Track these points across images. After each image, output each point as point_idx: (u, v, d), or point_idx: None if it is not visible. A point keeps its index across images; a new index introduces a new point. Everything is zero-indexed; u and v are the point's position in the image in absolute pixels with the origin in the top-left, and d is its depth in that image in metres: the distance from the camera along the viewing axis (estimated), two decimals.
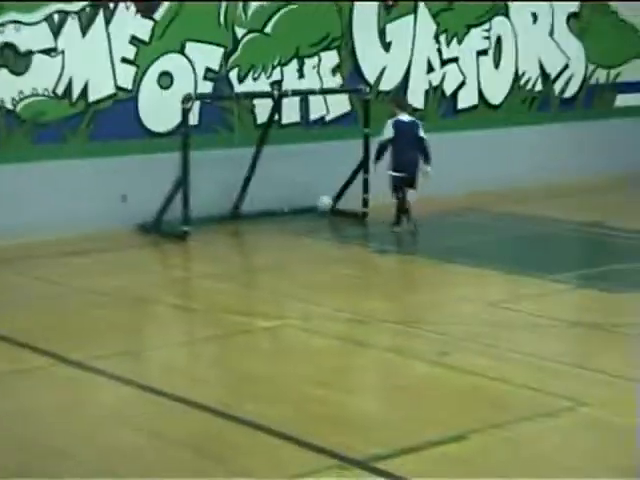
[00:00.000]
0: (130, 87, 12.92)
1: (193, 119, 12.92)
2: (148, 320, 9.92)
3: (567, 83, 16.45)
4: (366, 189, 13.69)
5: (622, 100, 16.97)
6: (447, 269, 11.47)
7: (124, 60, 12.84)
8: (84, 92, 12.64)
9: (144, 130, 13.09)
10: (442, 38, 15.11)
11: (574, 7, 16.29)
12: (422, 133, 13.11)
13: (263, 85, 13.72)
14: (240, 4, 13.49)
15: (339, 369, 8.44)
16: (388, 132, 13.04)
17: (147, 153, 12.96)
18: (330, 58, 14.24)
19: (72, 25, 12.48)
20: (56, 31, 12.41)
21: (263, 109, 13.56)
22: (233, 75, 13.58)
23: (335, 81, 14.31)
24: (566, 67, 16.37)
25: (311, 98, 13.98)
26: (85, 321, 9.61)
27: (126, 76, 12.87)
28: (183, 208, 12.51)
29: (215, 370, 8.54)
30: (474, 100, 15.59)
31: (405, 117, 13.19)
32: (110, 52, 12.74)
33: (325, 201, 13.59)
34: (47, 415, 7.43)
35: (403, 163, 12.99)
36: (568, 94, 16.49)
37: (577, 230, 13.29)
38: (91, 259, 11.71)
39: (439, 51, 15.13)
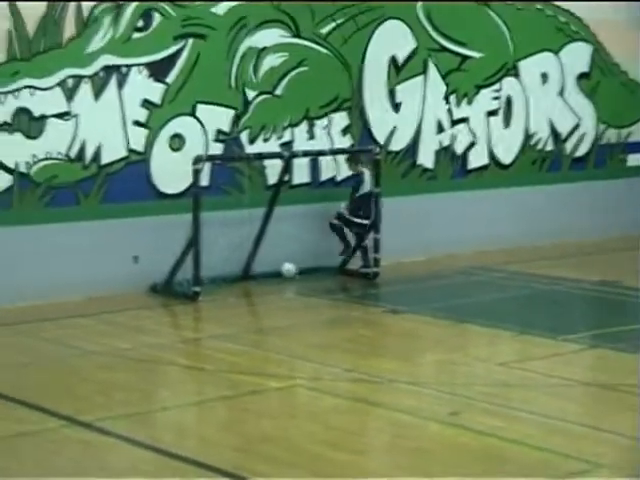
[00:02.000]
0: (142, 149, 13.03)
1: (204, 180, 13.00)
2: (158, 381, 9.88)
3: (578, 143, 16.51)
4: (377, 248, 13.70)
5: (634, 160, 17.00)
6: (458, 329, 11.42)
7: (136, 123, 12.96)
8: (97, 155, 12.74)
9: (156, 192, 13.17)
10: (452, 98, 15.21)
11: (584, 67, 16.40)
12: None
13: (273, 146, 13.81)
14: (251, 67, 13.64)
15: (350, 430, 8.38)
16: (370, 184, 13.61)
17: (159, 214, 13.02)
18: (340, 119, 14.35)
19: (85, 89, 12.62)
20: (69, 95, 12.54)
21: (273, 170, 13.64)
22: (244, 136, 13.68)
23: (345, 142, 14.40)
24: (577, 127, 16.43)
25: (321, 159, 14.06)
26: (95, 383, 9.58)
27: (138, 139, 12.98)
28: (194, 269, 12.53)
29: (226, 431, 8.49)
30: (484, 160, 15.65)
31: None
32: (122, 115, 12.87)
33: (288, 268, 13.49)
34: (57, 478, 7.37)
35: (371, 211, 13.56)
36: (579, 154, 16.53)
37: (590, 289, 13.24)
38: (102, 321, 11.71)
39: (449, 111, 15.23)
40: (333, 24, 14.13)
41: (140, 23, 12.88)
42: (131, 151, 12.96)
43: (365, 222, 13.64)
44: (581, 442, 7.96)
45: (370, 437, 8.52)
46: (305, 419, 8.72)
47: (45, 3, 12.28)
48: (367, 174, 13.74)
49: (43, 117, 12.42)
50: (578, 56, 16.32)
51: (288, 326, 11.54)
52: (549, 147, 16.22)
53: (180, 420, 8.76)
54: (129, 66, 12.87)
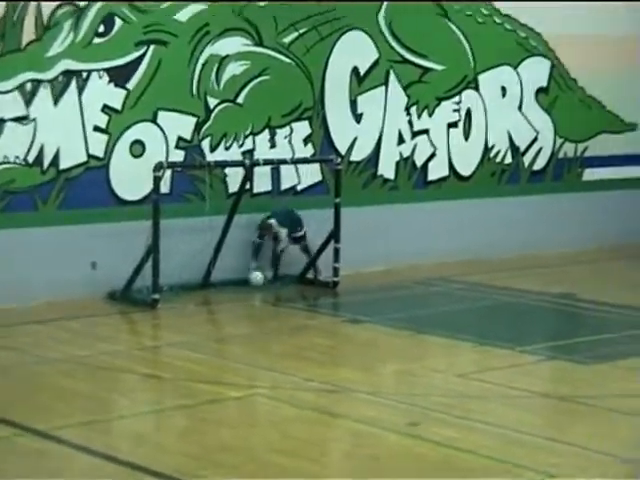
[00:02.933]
0: (102, 155, 12.94)
1: (164, 187, 12.94)
2: (115, 389, 9.80)
3: (536, 156, 16.64)
4: (337, 258, 13.71)
5: (590, 174, 17.17)
6: (418, 339, 11.46)
7: (96, 128, 12.88)
8: (55, 160, 12.64)
9: (115, 198, 13.09)
10: (413, 110, 15.28)
11: (543, 82, 16.54)
12: None
13: (235, 154, 13.79)
14: (213, 74, 13.61)
15: (309, 439, 8.37)
16: (286, 239, 13.76)
17: (118, 221, 12.94)
18: (302, 128, 14.36)
19: (44, 93, 12.52)
20: (28, 99, 12.43)
21: (234, 178, 13.61)
22: (205, 144, 13.64)
23: (307, 151, 14.41)
24: (535, 140, 16.57)
25: (282, 168, 14.06)
26: (50, 390, 9.48)
27: (98, 144, 12.90)
28: (153, 276, 12.46)
29: (183, 440, 8.44)
30: (444, 171, 15.72)
31: None
32: (82, 120, 12.78)
33: (256, 275, 13.49)
34: None
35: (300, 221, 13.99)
36: (537, 167, 16.66)
37: (547, 302, 13.33)
38: (59, 327, 11.60)
39: (410, 123, 15.29)
40: (296, 33, 14.14)
41: (101, 28, 12.81)
42: (91, 156, 12.87)
43: (302, 232, 13.74)
44: (537, 453, 8.01)
45: (328, 447, 8.52)
46: (264, 428, 8.69)
47: (3, 5, 12.17)
48: (282, 231, 13.64)
49: (1, 121, 12.30)
50: (537, 71, 16.47)
51: (248, 334, 11.52)
52: (508, 160, 16.34)
53: (137, 428, 8.69)
54: (89, 71, 12.78)
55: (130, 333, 12.11)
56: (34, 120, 12.48)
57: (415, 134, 15.35)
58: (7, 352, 10.67)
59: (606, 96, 17.05)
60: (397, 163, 15.24)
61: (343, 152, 14.69)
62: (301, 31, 14.18)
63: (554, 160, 16.80)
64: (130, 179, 13.04)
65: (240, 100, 13.84)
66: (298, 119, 14.30)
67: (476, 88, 15.88)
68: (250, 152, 13.90)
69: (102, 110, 12.89)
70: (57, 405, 9.03)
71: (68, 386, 9.59)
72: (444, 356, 10.92)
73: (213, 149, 13.69)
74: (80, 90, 12.73)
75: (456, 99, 15.69)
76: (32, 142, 12.50)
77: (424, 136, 15.44)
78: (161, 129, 13.29)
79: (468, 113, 15.84)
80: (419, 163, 15.45)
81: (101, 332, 11.47)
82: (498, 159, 16.24)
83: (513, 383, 9.76)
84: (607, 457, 7.93)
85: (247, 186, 13.68)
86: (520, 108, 16.40)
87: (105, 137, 12.94)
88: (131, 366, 10.28)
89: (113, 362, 10.29)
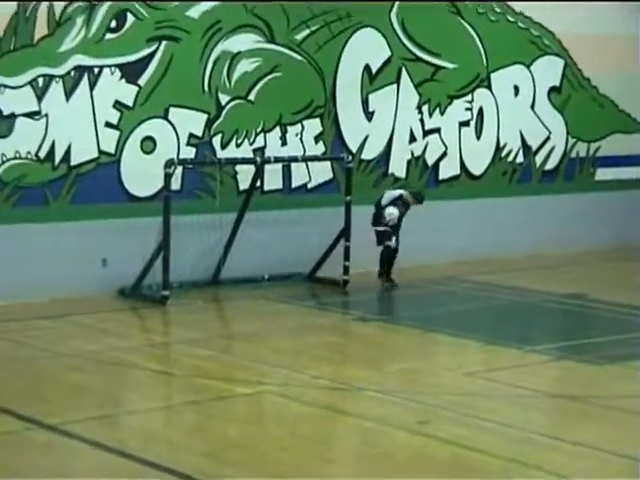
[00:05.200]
0: (113, 151, 12.95)
1: (175, 184, 12.95)
2: (125, 385, 9.81)
3: (548, 156, 16.60)
4: (347, 256, 13.70)
5: (602, 174, 17.12)
6: (427, 338, 11.44)
7: (107, 124, 12.89)
8: (67, 156, 12.66)
9: (126, 194, 13.10)
10: (425, 108, 15.25)
11: (556, 81, 16.50)
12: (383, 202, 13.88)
13: (246, 151, 13.78)
14: (225, 71, 13.61)
15: (318, 437, 8.36)
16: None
17: (128, 217, 12.95)
18: (313, 126, 14.34)
19: (56, 89, 12.54)
20: (40, 95, 12.45)
21: (245, 175, 13.61)
22: (216, 141, 13.64)
23: (318, 149, 14.39)
24: (547, 140, 16.52)
25: (293, 165, 14.05)
26: (61, 385, 9.50)
27: (109, 140, 12.91)
28: (163, 273, 12.47)
29: (193, 436, 8.43)
30: (456, 170, 15.69)
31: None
32: (94, 116, 12.79)
33: (391, 212, 13.60)
34: None
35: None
36: (549, 167, 16.62)
37: (557, 302, 13.30)
38: (69, 323, 11.62)
39: (421, 121, 15.26)
40: (307, 31, 14.13)
41: (113, 24, 12.83)
42: (102, 152, 12.89)
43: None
44: (544, 452, 7.99)
45: (337, 445, 8.50)
46: (272, 425, 8.69)
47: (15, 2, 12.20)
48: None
49: (13, 116, 12.33)
50: (550, 70, 16.42)
51: (257, 332, 11.51)
52: (519, 159, 16.30)
53: (146, 424, 8.69)
54: (101, 67, 12.80)
55: (140, 329, 12.12)
56: (46, 115, 12.50)
57: (427, 133, 15.32)
58: (16, 346, 10.69)
59: (619, 96, 16.99)
60: (408, 162, 15.21)
61: (354, 150, 14.67)
62: (313, 28, 14.17)
63: (566, 160, 16.75)
64: (141, 175, 13.05)
65: (251, 97, 13.83)
66: (309, 117, 14.28)
67: (488, 87, 15.84)
68: (261, 149, 13.90)
69: (113, 106, 12.91)
70: (67, 400, 9.05)
71: (77, 381, 9.60)
72: (453, 355, 10.91)
73: (224, 146, 13.68)
74: (92, 86, 12.74)
75: (468, 98, 15.65)
76: (44, 138, 12.52)
77: (436, 135, 15.41)
78: (172, 126, 13.29)
79: (480, 112, 15.81)
80: (430, 162, 15.42)
81: (111, 328, 11.48)
82: (510, 158, 16.21)
83: (521, 383, 9.73)
84: (616, 457, 7.90)
85: (258, 183, 13.68)
86: (533, 107, 16.35)
87: (116, 133, 12.95)
88: (141, 362, 10.28)
89: (123, 358, 10.30)
